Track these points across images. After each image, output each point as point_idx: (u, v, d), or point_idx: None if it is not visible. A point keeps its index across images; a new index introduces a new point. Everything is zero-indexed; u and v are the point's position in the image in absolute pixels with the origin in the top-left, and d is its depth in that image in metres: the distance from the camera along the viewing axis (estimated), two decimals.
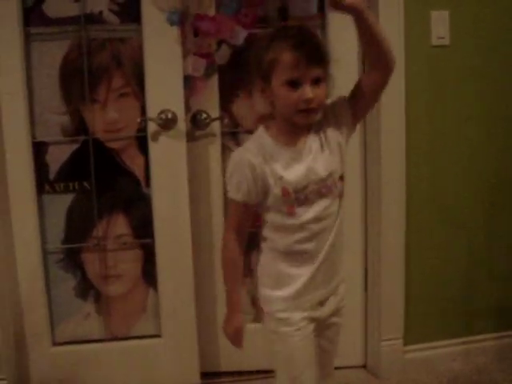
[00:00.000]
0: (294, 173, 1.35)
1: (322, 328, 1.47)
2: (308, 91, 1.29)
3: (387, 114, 2.07)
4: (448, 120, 2.16)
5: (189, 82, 2.03)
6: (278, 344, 1.44)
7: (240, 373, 2.24)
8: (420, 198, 2.18)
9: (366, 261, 2.24)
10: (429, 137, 2.16)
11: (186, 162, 2.04)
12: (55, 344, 2.15)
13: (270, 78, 1.32)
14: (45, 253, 2.10)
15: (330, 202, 1.38)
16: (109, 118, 2.06)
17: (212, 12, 2.00)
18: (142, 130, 2.05)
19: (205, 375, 2.21)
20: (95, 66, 2.02)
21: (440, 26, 2.06)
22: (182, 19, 1.95)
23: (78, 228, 2.12)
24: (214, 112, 2.08)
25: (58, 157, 2.07)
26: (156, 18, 1.94)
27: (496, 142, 2.22)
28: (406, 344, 2.25)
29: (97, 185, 2.08)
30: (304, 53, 1.27)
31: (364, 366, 2.30)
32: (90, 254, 2.13)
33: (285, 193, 1.35)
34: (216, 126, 2.10)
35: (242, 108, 2.14)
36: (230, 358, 2.24)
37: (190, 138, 2.08)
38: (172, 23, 1.93)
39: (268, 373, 2.20)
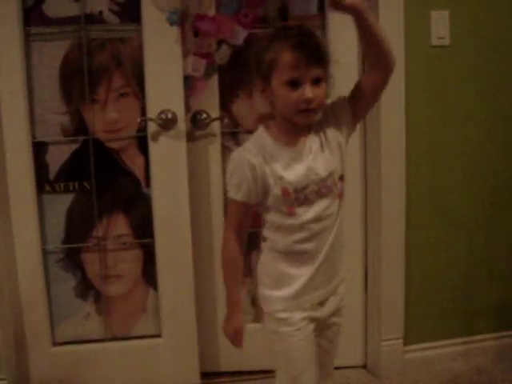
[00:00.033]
0: (294, 173, 1.35)
1: (322, 328, 1.47)
2: (308, 91, 1.29)
3: (387, 114, 2.08)
4: (448, 120, 2.16)
5: (189, 82, 2.03)
6: (278, 344, 1.44)
7: (240, 373, 2.24)
8: (420, 198, 2.18)
9: (366, 261, 2.24)
10: (429, 137, 2.16)
11: (186, 162, 2.04)
12: (55, 344, 2.15)
13: (270, 78, 1.32)
14: (45, 253, 2.09)
15: (330, 202, 1.38)
16: (109, 118, 2.06)
17: (212, 12, 2.00)
18: (142, 130, 2.05)
19: (205, 375, 2.21)
20: (95, 66, 2.02)
21: (440, 26, 2.06)
22: (182, 19, 1.95)
23: (78, 228, 2.12)
24: (214, 112, 2.08)
25: (58, 157, 2.07)
26: (156, 18, 1.94)
27: (496, 142, 2.22)
28: (406, 344, 2.25)
29: (97, 185, 2.08)
30: (304, 53, 1.27)
31: (364, 366, 2.30)
32: (90, 254, 2.13)
33: (285, 193, 1.35)
34: (216, 126, 2.10)
35: (242, 108, 2.14)
36: (230, 358, 2.24)
37: (190, 138, 2.08)
38: (172, 23, 1.93)
39: (268, 373, 2.20)
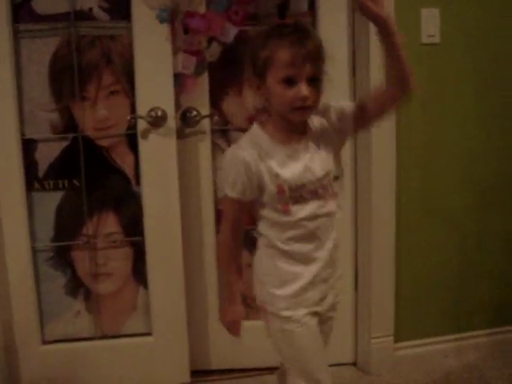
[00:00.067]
0: (290, 171, 1.35)
1: (320, 322, 1.47)
2: (303, 89, 1.28)
3: None
4: (438, 119, 2.16)
5: (179, 79, 2.02)
6: (284, 342, 1.44)
7: (230, 371, 2.24)
8: (410, 199, 2.19)
9: (357, 260, 2.24)
10: (419, 137, 2.16)
11: (176, 160, 2.03)
12: (45, 342, 2.14)
13: (265, 75, 1.32)
14: (34, 251, 2.08)
15: (326, 201, 1.38)
16: (99, 116, 2.05)
17: (202, 9, 1.99)
18: (132, 127, 2.04)
19: (195, 373, 2.20)
20: (85, 64, 2.01)
21: (430, 23, 2.07)
22: (172, 16, 1.95)
23: (68, 226, 2.11)
24: (204, 109, 2.08)
25: (47, 154, 2.06)
26: (146, 15, 1.93)
27: (488, 142, 2.23)
28: (396, 341, 2.26)
29: (86, 182, 2.07)
30: (300, 50, 1.27)
31: (354, 364, 2.30)
32: (80, 252, 2.12)
33: (280, 190, 1.35)
34: (206, 124, 2.10)
35: (232, 105, 2.14)
36: (220, 356, 2.24)
37: (180, 135, 2.08)
38: (162, 20, 1.93)
39: (258, 370, 2.21)
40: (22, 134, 2.01)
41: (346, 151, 2.11)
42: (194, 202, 2.14)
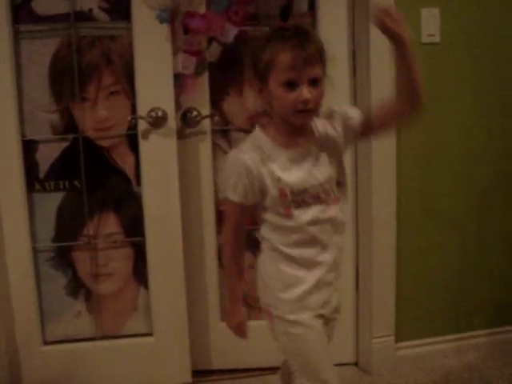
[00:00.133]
0: (292, 175, 1.35)
1: (324, 323, 1.47)
2: (305, 92, 1.28)
3: None
4: (438, 118, 2.16)
5: (179, 79, 2.02)
6: (290, 345, 1.44)
7: (231, 371, 2.24)
8: (410, 199, 2.18)
9: (357, 260, 2.24)
10: (419, 137, 2.15)
11: (177, 160, 2.03)
12: (46, 343, 2.14)
13: (267, 78, 1.32)
14: (35, 251, 2.09)
15: (328, 206, 1.38)
16: (99, 116, 2.05)
17: (202, 9, 1.99)
18: (133, 128, 2.04)
19: (196, 373, 2.20)
20: (85, 64, 2.01)
21: (430, 23, 2.07)
22: (172, 17, 1.95)
23: (69, 226, 2.11)
24: (205, 110, 2.08)
25: (47, 155, 2.06)
26: (146, 15, 1.93)
27: (488, 142, 2.22)
28: (397, 341, 2.26)
29: (87, 183, 2.07)
30: (301, 53, 1.27)
31: (356, 364, 2.30)
32: (81, 253, 2.12)
33: (282, 194, 1.35)
34: (206, 124, 2.10)
35: (233, 106, 2.14)
36: (221, 356, 2.24)
37: (181, 135, 2.08)
38: (162, 21, 1.93)
39: (260, 370, 2.21)
40: (23, 135, 2.01)
41: (347, 152, 2.12)
42: (194, 203, 2.14)
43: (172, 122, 2.01)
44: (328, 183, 1.38)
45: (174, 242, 2.07)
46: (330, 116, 1.42)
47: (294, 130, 1.37)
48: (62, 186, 2.08)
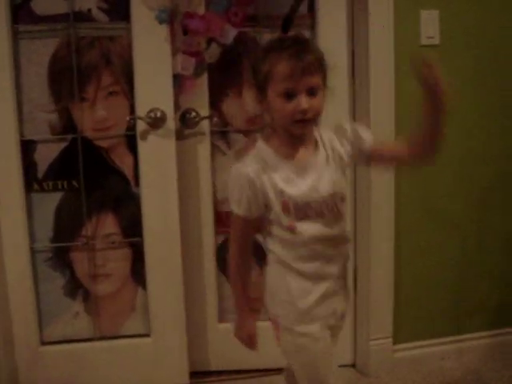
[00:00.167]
0: (295, 187, 1.34)
1: (330, 329, 1.47)
2: (302, 102, 1.28)
3: (377, 114, 2.07)
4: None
5: (178, 80, 2.02)
6: (297, 355, 1.44)
7: (229, 372, 2.24)
8: (410, 199, 2.18)
9: (355, 262, 2.24)
10: None
11: (175, 161, 2.03)
12: (44, 343, 2.14)
13: (266, 89, 1.32)
14: (33, 251, 2.08)
15: (331, 222, 1.37)
16: (98, 117, 2.05)
17: (202, 10, 1.99)
18: (131, 128, 2.04)
19: (194, 374, 2.20)
20: (84, 65, 2.01)
21: (429, 25, 2.06)
22: (172, 17, 1.95)
23: (67, 227, 2.11)
24: (204, 111, 2.08)
25: (46, 155, 2.06)
26: (145, 16, 1.93)
27: (488, 142, 2.22)
28: (395, 343, 2.25)
29: (86, 183, 2.07)
30: (298, 63, 1.27)
31: (353, 365, 2.30)
32: (79, 253, 2.12)
33: (285, 207, 1.34)
34: (205, 125, 2.10)
35: (232, 107, 2.14)
36: (219, 358, 2.24)
37: (179, 136, 2.07)
38: (161, 21, 1.92)
39: (257, 372, 2.21)
40: (21, 135, 2.01)
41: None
42: (193, 204, 2.14)
43: (171, 123, 2.01)
44: (331, 198, 1.36)
45: (173, 242, 2.06)
46: (339, 131, 1.41)
47: (296, 140, 1.36)
48: (60, 186, 2.08)
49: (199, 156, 2.12)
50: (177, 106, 2.04)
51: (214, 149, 2.14)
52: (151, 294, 2.12)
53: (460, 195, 2.23)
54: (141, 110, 1.99)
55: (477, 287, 2.32)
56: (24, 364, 2.11)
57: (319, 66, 1.31)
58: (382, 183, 2.12)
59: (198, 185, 2.13)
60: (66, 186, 2.08)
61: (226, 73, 2.09)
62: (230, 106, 2.14)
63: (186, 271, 2.12)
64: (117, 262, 2.14)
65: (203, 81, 2.06)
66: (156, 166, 2.03)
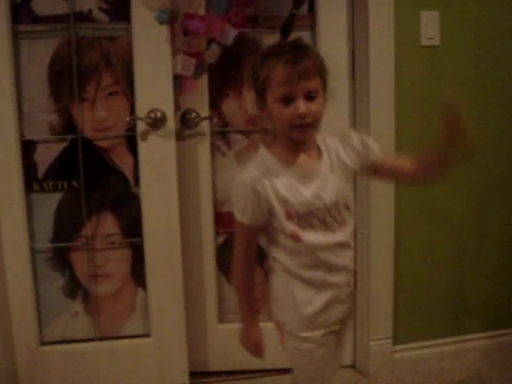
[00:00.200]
0: (298, 195, 1.33)
1: (336, 338, 1.47)
2: (301, 106, 1.27)
3: (377, 115, 2.08)
4: (438, 121, 2.15)
5: (178, 81, 2.02)
6: (301, 360, 1.43)
7: (229, 372, 2.24)
8: (409, 201, 2.18)
9: (355, 263, 2.23)
10: (419, 139, 2.15)
11: (175, 162, 2.03)
12: (44, 344, 2.14)
13: (265, 95, 1.32)
14: (33, 252, 2.08)
15: (334, 230, 1.37)
16: (98, 117, 2.05)
17: (202, 11, 1.99)
18: (131, 129, 2.04)
19: (194, 375, 2.20)
20: (84, 65, 2.01)
21: (430, 26, 2.07)
22: (172, 18, 1.95)
23: (67, 227, 2.11)
24: (204, 111, 2.08)
25: (46, 155, 2.06)
26: (146, 16, 1.93)
27: (488, 143, 2.22)
28: (395, 344, 2.25)
29: (85, 184, 2.07)
30: (294, 67, 1.26)
31: (353, 366, 2.30)
32: (79, 253, 2.12)
33: (288, 215, 1.34)
34: (205, 126, 2.10)
35: (232, 107, 2.14)
36: (219, 358, 2.24)
37: (180, 137, 2.08)
38: (162, 22, 1.93)
39: (257, 372, 2.21)
40: (22, 135, 2.01)
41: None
42: (192, 204, 2.14)
43: (171, 124, 2.01)
44: (335, 206, 1.36)
45: (173, 243, 2.06)
46: (345, 140, 1.41)
47: (298, 147, 1.35)
48: (60, 187, 2.08)
49: (199, 156, 2.12)
50: (177, 106, 2.04)
51: (214, 149, 2.14)
52: (151, 295, 2.12)
53: (459, 197, 2.23)
54: (141, 110, 2.00)
55: (476, 288, 2.32)
56: (24, 364, 2.11)
57: (317, 70, 1.30)
58: (382, 185, 2.12)
59: (198, 185, 2.13)
60: (65, 186, 2.08)
61: (226, 73, 2.10)
62: (230, 107, 2.14)
63: (186, 271, 2.12)
64: (117, 262, 2.14)
65: (203, 81, 2.06)
66: (156, 167, 2.03)
